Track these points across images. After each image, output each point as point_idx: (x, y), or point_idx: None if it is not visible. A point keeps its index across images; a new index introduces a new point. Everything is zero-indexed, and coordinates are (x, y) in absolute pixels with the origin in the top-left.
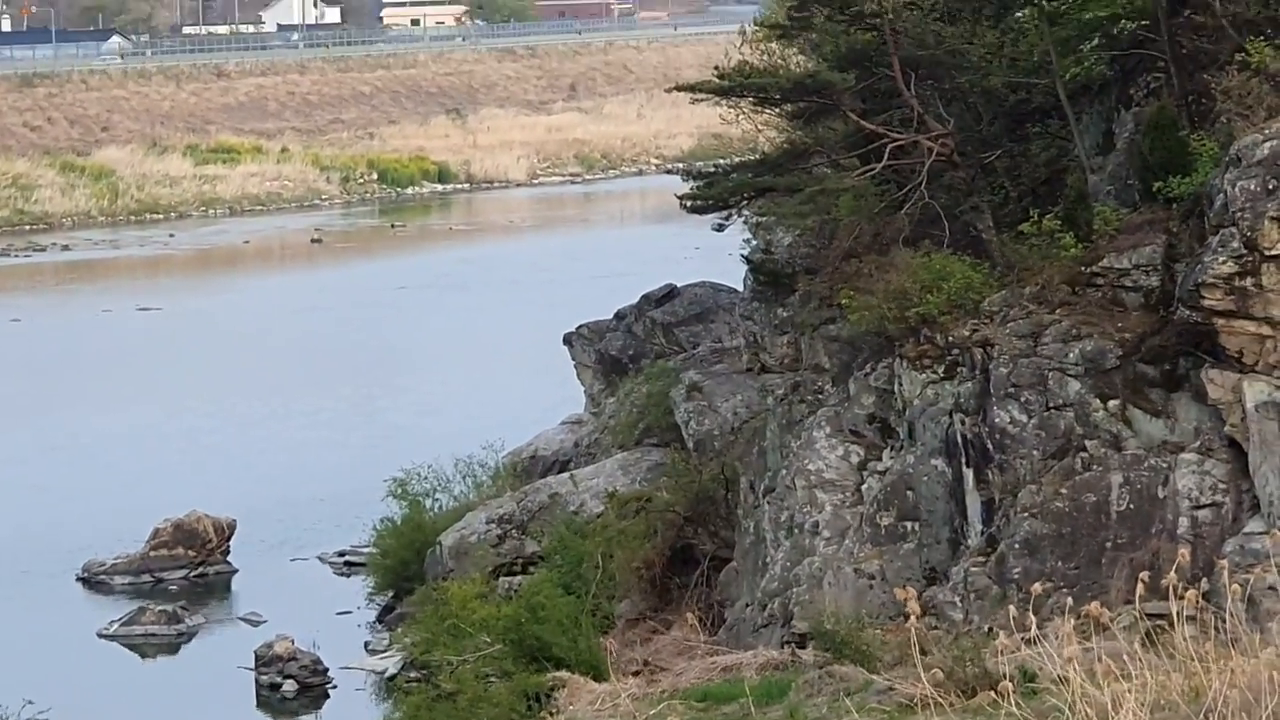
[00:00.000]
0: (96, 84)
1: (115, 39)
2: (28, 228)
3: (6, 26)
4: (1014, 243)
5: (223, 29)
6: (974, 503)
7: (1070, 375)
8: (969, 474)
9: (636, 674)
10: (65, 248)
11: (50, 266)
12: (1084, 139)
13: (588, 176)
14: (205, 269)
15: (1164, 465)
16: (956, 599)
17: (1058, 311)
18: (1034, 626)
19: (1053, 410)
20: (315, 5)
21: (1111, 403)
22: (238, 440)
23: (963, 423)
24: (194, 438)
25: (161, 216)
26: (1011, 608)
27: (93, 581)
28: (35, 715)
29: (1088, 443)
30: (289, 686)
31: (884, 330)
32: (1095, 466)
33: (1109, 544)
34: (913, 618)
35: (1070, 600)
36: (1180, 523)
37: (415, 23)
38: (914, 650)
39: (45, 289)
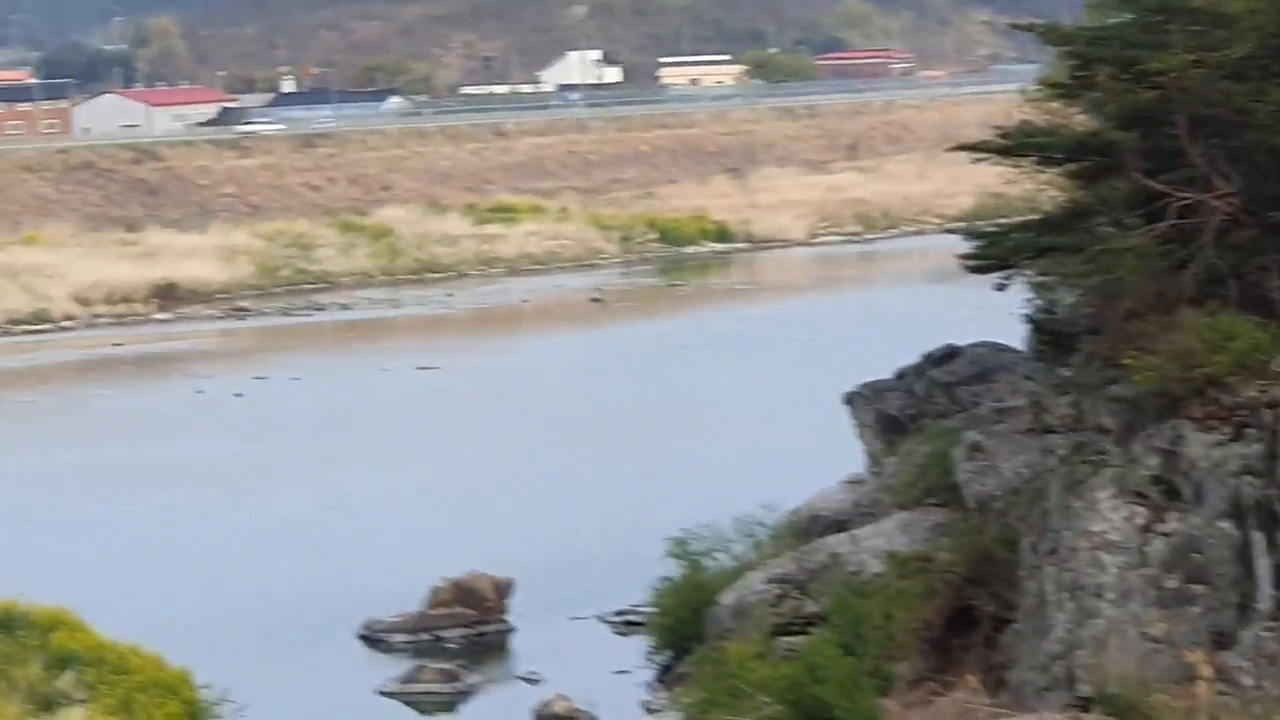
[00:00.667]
0: (376, 144)
1: (395, 99)
2: (308, 287)
3: (289, 88)
4: None
5: (502, 89)
6: (1264, 566)
7: None
8: (1258, 537)
9: None
10: (345, 307)
11: (330, 325)
12: None
13: (867, 236)
14: (484, 328)
15: None
16: (1246, 664)
17: None
18: None
19: None
20: (595, 65)
21: None
22: (515, 499)
23: (1251, 485)
24: (472, 496)
25: (440, 276)
26: None
27: (373, 639)
28: None
29: None
30: None
31: (1168, 391)
32: None
33: None
34: (1204, 682)
35: None
36: None
37: (694, 82)
38: (1204, 716)
39: (325, 348)
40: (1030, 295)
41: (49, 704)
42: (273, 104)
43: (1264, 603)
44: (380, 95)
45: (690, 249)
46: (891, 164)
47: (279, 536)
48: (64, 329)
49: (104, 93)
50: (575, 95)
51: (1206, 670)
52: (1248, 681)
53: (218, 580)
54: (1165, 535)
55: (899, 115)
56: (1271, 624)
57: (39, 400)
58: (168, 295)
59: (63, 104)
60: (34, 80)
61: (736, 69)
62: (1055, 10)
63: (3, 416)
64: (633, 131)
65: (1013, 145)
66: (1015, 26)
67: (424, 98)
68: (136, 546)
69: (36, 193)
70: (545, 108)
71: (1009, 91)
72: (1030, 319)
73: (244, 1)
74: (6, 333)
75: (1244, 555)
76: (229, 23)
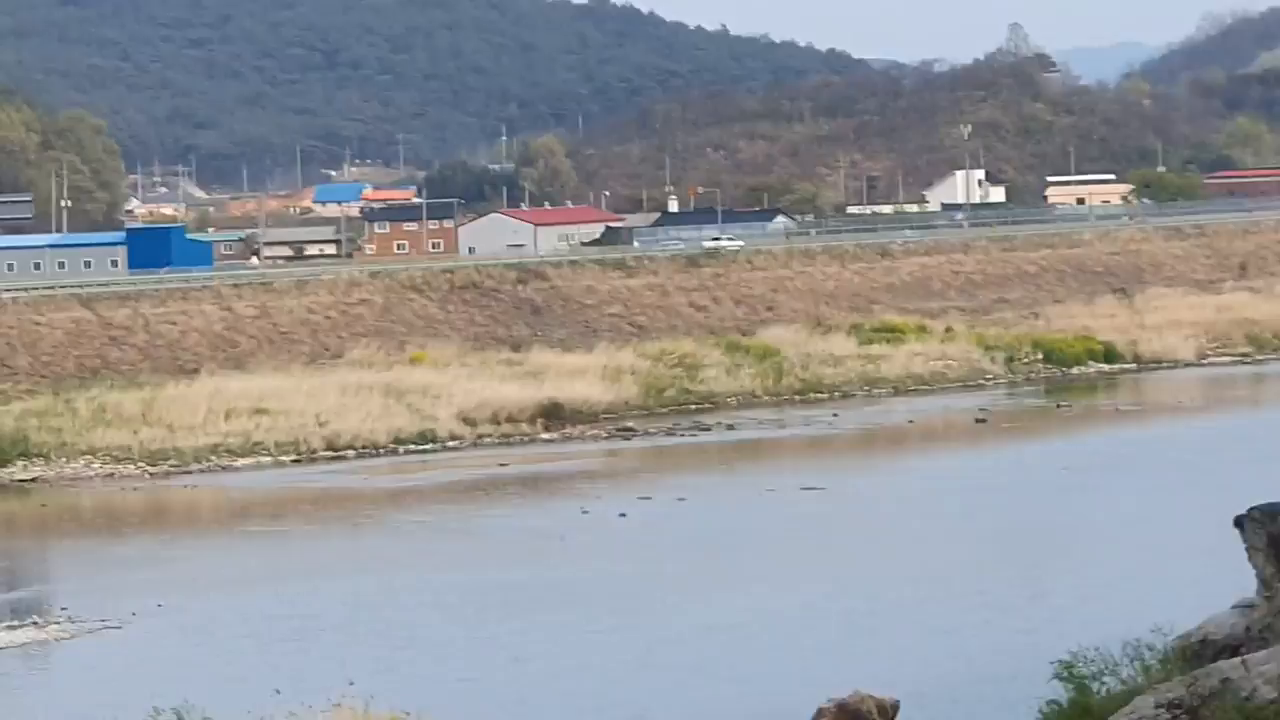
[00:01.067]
0: (762, 263)
1: (780, 219)
2: (693, 407)
3: (674, 207)
4: None
5: (887, 208)
6: None
7: None
8: None
9: None
10: (730, 427)
11: (715, 446)
12: None
13: (1259, 357)
14: (869, 448)
15: None
16: None
17: None
18: None
19: None
20: (980, 184)
21: None
22: (900, 620)
23: None
24: (855, 617)
25: (825, 396)
26: None
27: None
28: None
29: None
30: None
31: None
32: None
33: None
34: None
35: None
36: None
37: (1080, 201)
38: None
39: (710, 468)
40: None
41: None
42: (658, 223)
43: None
44: (766, 215)
45: (1076, 369)
46: None
47: (661, 657)
48: (449, 449)
49: (489, 212)
50: (960, 215)
51: None
52: None
53: (599, 700)
54: None
55: None
56: None
57: (425, 520)
58: (553, 415)
59: (448, 223)
60: (420, 200)
61: (1123, 188)
62: None
63: (389, 536)
64: (1018, 251)
65: None
66: None
67: (809, 217)
68: (519, 667)
69: (422, 312)
70: (930, 227)
71: None
72: None
73: (629, 121)
74: (393, 452)
75: None
76: (614, 142)
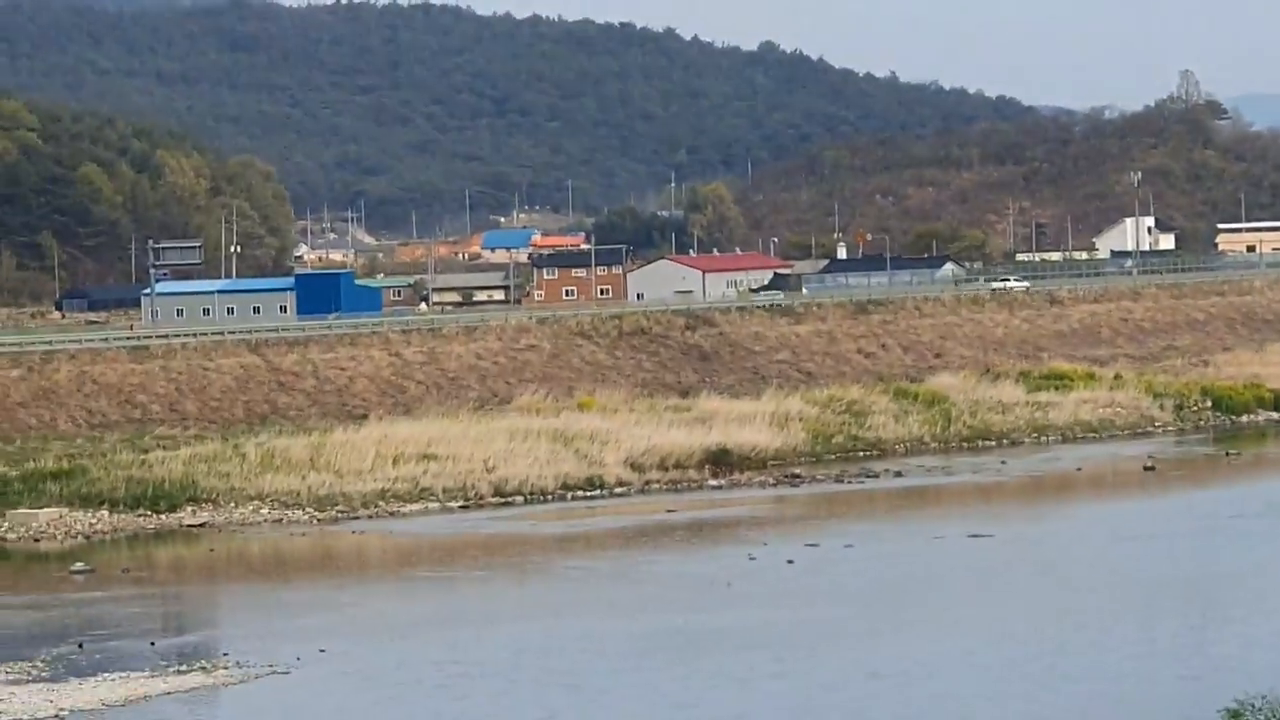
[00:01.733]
0: (930, 310)
1: (949, 266)
2: (861, 454)
3: (842, 254)
4: None
5: (1055, 255)
6: None
7: None
8: None
9: None
10: (897, 474)
11: (882, 493)
12: None
13: None
14: (1037, 496)
15: None
16: None
17: None
18: None
19: None
20: (1149, 232)
21: None
22: (1062, 667)
23: None
24: (1018, 664)
25: (993, 443)
26: None
27: None
28: None
29: None
30: None
31: None
32: None
33: None
34: None
35: None
36: None
37: (1251, 249)
38: None
39: (877, 515)
40: None
41: None
42: (826, 270)
43: None
44: (934, 262)
45: (1245, 417)
46: None
47: (822, 702)
48: (617, 494)
49: (657, 259)
50: (1129, 263)
51: None
52: None
53: None
54: None
55: None
56: None
57: (592, 566)
58: (720, 461)
59: (616, 270)
60: (588, 246)
61: None
62: None
63: (555, 582)
64: (1187, 298)
65: None
66: None
67: (978, 264)
68: (681, 713)
69: (591, 358)
70: (1099, 274)
71: None
72: None
73: (798, 167)
74: (560, 498)
75: None
76: (783, 189)
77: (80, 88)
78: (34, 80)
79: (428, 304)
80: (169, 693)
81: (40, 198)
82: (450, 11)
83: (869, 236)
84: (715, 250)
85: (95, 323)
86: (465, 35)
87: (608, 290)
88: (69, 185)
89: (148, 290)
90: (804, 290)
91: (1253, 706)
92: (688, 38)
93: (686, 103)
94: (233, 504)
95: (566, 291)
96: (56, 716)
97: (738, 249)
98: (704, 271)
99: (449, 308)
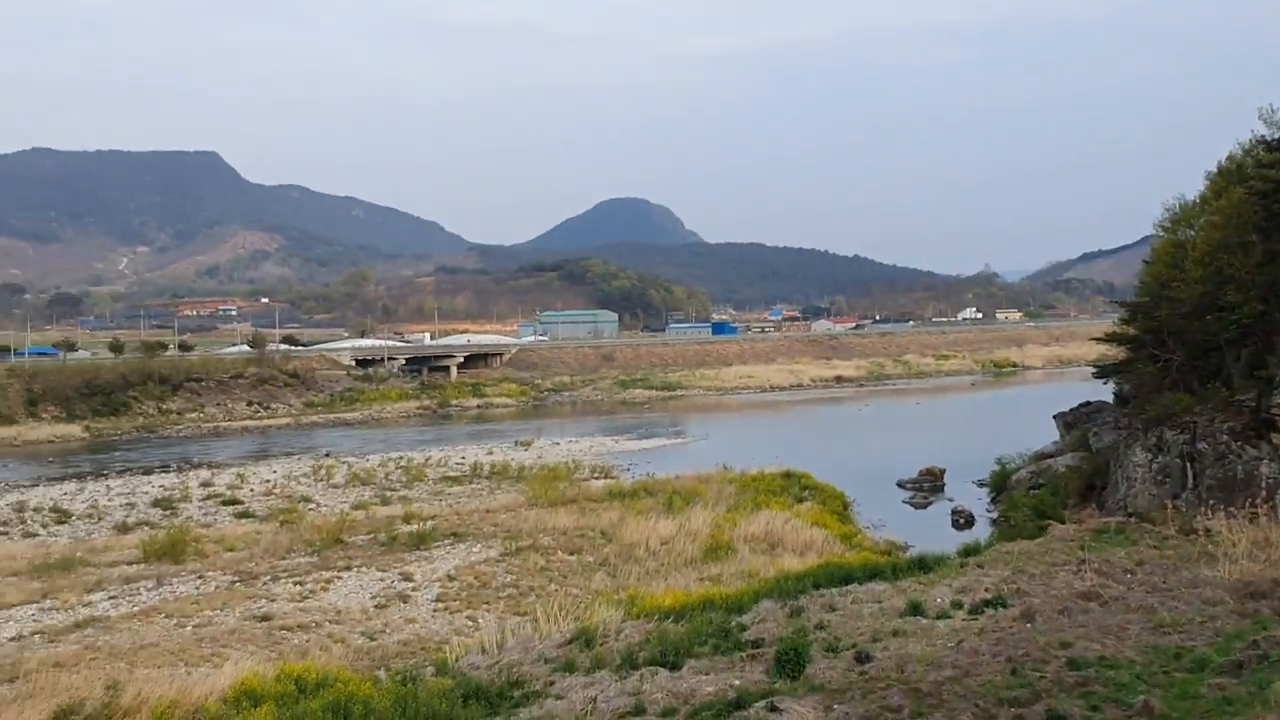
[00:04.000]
0: None
1: None
2: None
3: None
4: None
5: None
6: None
7: None
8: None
9: None
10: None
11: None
12: None
13: None
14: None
15: None
16: None
17: None
18: None
19: None
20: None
21: None
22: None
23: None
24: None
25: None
26: None
27: (900, 485)
28: None
29: None
30: None
31: (1158, 418)
32: None
33: None
34: None
35: None
36: None
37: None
38: None
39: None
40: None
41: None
42: None
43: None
44: None
45: (1006, 369)
46: None
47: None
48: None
49: None
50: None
51: None
52: None
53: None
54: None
55: None
56: None
57: (808, 411)
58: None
59: None
60: None
61: None
62: None
63: (795, 416)
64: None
65: None
66: None
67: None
68: (826, 444)
69: None
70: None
71: None
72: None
73: None
74: (803, 389)
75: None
76: None
77: None
78: None
79: None
80: (663, 445)
81: None
82: None
83: None
84: None
85: None
86: None
87: None
88: None
89: None
90: None
91: (1005, 458)
92: None
93: None
94: (697, 390)
95: None
96: (625, 452)
97: None
98: None
99: None
